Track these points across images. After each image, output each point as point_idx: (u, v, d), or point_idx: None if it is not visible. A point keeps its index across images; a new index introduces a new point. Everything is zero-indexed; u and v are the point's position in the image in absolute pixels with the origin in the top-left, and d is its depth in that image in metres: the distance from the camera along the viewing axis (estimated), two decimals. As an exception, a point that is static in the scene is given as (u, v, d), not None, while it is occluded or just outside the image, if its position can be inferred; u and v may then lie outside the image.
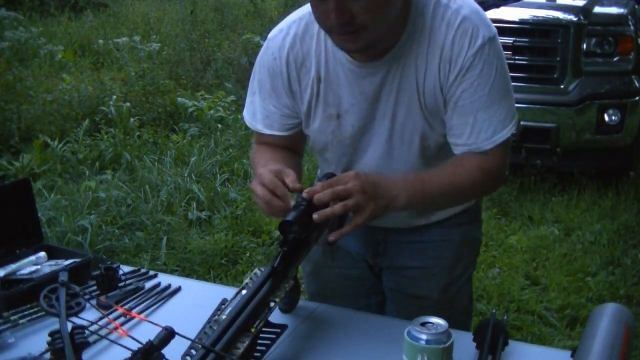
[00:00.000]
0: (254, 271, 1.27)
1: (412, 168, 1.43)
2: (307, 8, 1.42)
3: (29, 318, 1.39)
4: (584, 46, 4.48)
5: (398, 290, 1.64)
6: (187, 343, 1.09)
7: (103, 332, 1.26)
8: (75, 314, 1.23)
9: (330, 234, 1.26)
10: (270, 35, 1.48)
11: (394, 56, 1.35)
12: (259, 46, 1.70)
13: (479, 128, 1.34)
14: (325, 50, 1.40)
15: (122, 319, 1.37)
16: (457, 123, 1.35)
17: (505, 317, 1.31)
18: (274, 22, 1.53)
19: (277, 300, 1.23)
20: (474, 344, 1.27)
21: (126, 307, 1.46)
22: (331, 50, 1.40)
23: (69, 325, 1.17)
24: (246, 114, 1.55)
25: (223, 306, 1.20)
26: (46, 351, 1.20)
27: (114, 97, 5.74)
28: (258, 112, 1.51)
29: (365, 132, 1.43)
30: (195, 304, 1.42)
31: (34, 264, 1.56)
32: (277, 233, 3.73)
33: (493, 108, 1.33)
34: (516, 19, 4.61)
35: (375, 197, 1.25)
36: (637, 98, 4.50)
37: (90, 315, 1.29)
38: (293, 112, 1.49)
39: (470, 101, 1.33)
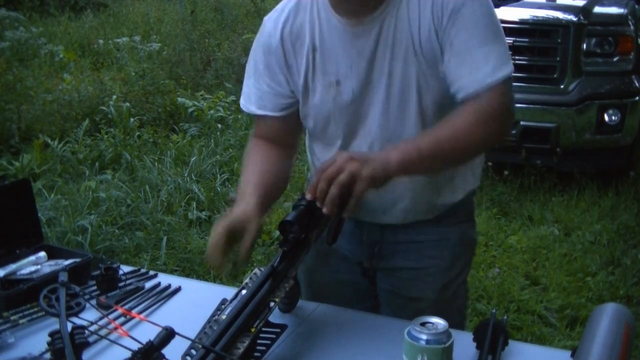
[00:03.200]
0: (254, 271, 1.27)
1: (411, 131, 1.42)
2: None
3: (29, 318, 1.39)
4: (584, 46, 4.48)
5: (393, 292, 1.63)
6: (187, 343, 1.09)
7: (103, 332, 1.26)
8: (75, 314, 1.23)
9: (345, 211, 1.24)
10: (265, 18, 1.53)
11: (386, 10, 1.37)
12: (259, 46, 1.78)
13: (477, 65, 1.33)
14: (319, 19, 1.44)
15: (122, 319, 1.37)
16: (454, 65, 1.35)
17: (505, 317, 1.31)
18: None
19: (277, 300, 1.23)
20: (474, 344, 1.27)
21: (126, 307, 1.46)
22: (325, 18, 1.43)
23: (69, 326, 1.17)
24: (241, 100, 1.58)
25: (223, 306, 1.20)
26: (46, 351, 1.20)
27: (114, 97, 5.75)
28: (252, 94, 1.54)
29: (365, 96, 1.44)
30: (195, 304, 1.42)
31: (34, 264, 1.56)
32: (277, 233, 3.73)
33: (488, 46, 1.33)
34: (516, 19, 4.61)
35: (367, 161, 1.24)
36: (637, 98, 4.50)
37: (90, 315, 1.28)
38: (287, 91, 1.50)
39: (464, 39, 1.33)
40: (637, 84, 4.51)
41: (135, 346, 1.05)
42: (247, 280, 1.25)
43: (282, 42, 1.47)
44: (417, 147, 1.29)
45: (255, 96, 1.53)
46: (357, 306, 1.65)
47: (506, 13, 4.63)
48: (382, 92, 1.42)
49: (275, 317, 1.29)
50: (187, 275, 3.38)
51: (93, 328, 1.24)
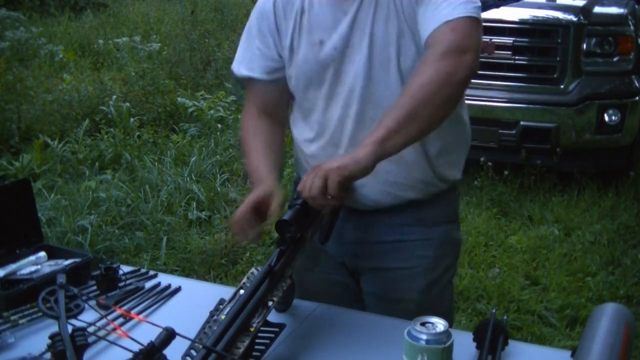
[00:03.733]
0: (251, 270, 1.28)
1: (393, 94, 1.42)
2: None
3: (29, 318, 1.39)
4: (584, 46, 4.48)
5: (378, 295, 1.61)
6: (187, 343, 1.09)
7: (102, 333, 1.26)
8: (74, 316, 1.23)
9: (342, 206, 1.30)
10: None
11: None
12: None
13: (438, 9, 1.35)
14: None
15: (121, 320, 1.37)
16: (421, 16, 1.39)
17: (505, 317, 1.31)
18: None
19: (274, 299, 1.23)
20: (474, 344, 1.27)
21: (126, 307, 1.45)
22: None
23: (69, 328, 1.17)
24: (233, 64, 1.67)
25: (221, 306, 1.20)
26: (46, 351, 1.20)
27: (114, 97, 5.75)
28: (243, 58, 1.64)
29: (345, 56, 1.48)
30: (195, 304, 1.42)
31: (34, 264, 1.55)
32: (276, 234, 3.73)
33: None
34: (516, 19, 4.61)
35: (330, 161, 1.29)
36: (637, 98, 4.50)
37: (90, 315, 1.28)
38: (275, 54, 1.58)
39: None
40: (637, 84, 4.50)
41: (136, 347, 1.05)
42: (244, 280, 1.25)
43: (274, 7, 1.56)
44: (381, 125, 1.30)
45: (246, 59, 1.63)
46: (348, 307, 1.64)
47: (506, 13, 4.63)
48: (364, 53, 1.46)
49: (274, 316, 1.29)
50: (187, 275, 3.38)
51: (92, 329, 1.24)
